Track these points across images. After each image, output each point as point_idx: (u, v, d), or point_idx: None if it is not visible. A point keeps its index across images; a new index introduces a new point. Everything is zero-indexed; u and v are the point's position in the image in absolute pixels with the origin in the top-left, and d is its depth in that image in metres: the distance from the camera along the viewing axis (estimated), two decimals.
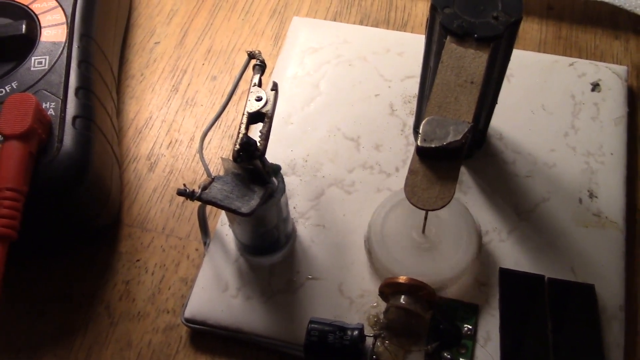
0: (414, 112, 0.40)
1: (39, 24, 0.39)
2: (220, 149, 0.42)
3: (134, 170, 0.41)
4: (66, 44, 0.38)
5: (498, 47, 0.30)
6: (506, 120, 0.40)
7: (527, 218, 0.36)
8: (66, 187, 0.33)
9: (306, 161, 0.39)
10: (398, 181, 0.38)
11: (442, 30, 0.30)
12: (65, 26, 0.39)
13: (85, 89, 0.37)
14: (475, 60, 0.29)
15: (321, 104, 0.42)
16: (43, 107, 0.35)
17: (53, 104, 0.35)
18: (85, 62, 0.38)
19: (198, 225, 0.36)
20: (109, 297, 0.36)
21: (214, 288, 0.35)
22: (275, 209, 0.32)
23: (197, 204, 0.35)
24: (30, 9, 0.39)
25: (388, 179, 0.38)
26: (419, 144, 0.27)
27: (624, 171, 0.38)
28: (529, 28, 0.46)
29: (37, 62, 0.37)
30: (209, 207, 0.37)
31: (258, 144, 0.29)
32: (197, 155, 0.41)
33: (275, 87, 0.32)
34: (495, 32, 0.29)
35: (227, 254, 0.36)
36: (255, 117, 0.31)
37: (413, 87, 0.42)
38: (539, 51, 0.45)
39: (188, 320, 0.34)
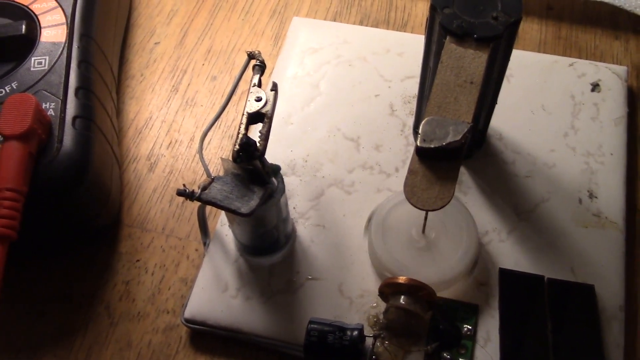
0: (414, 113, 0.40)
1: (39, 24, 0.39)
2: (220, 149, 0.42)
3: (133, 171, 0.41)
4: (66, 44, 0.38)
5: (497, 47, 0.30)
6: (506, 120, 0.40)
7: (527, 218, 0.36)
8: (66, 187, 0.33)
9: (306, 161, 0.39)
10: (398, 181, 0.38)
11: (441, 31, 0.30)
12: (65, 26, 0.39)
13: (85, 89, 0.37)
14: (475, 60, 0.29)
15: (321, 104, 0.42)
16: (43, 107, 0.35)
17: (53, 104, 0.35)
18: (85, 62, 0.38)
19: (198, 225, 0.36)
20: (108, 297, 0.36)
21: (214, 288, 0.35)
22: (274, 209, 0.32)
23: (197, 204, 0.35)
24: (30, 9, 0.39)
25: (388, 179, 0.38)
26: (418, 144, 0.27)
27: (624, 171, 0.38)
28: (528, 28, 0.46)
29: (37, 62, 0.37)
30: (208, 208, 0.37)
31: (258, 144, 0.29)
32: (197, 155, 0.41)
33: (275, 88, 0.32)
34: (495, 33, 0.29)
35: (226, 254, 0.36)
36: (254, 118, 0.31)
37: (413, 87, 0.42)
38: (538, 51, 0.45)
39: (188, 321, 0.34)
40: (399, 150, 0.39)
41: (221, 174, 0.30)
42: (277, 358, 0.34)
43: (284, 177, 0.32)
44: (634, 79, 0.43)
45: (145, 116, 0.43)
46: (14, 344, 0.35)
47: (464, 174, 0.38)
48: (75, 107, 0.36)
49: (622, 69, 0.42)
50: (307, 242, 0.36)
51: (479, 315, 0.33)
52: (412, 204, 0.27)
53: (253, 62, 0.33)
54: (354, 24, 0.47)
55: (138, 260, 0.37)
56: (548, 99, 0.41)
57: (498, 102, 0.36)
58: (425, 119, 0.27)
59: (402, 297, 0.32)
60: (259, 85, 0.32)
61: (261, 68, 0.33)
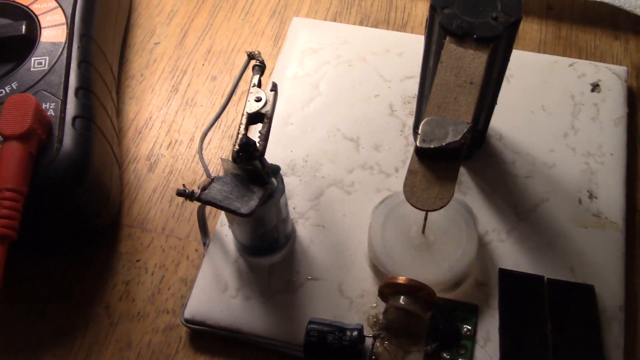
0: (414, 113, 0.40)
1: (39, 24, 0.39)
2: (220, 150, 0.42)
3: (133, 171, 0.41)
4: (66, 45, 0.38)
5: (497, 47, 0.30)
6: (506, 120, 0.40)
7: (527, 218, 0.36)
8: (66, 187, 0.33)
9: (306, 161, 0.39)
10: (398, 181, 0.38)
11: (441, 31, 0.30)
12: (65, 27, 0.39)
13: (85, 89, 0.37)
14: (475, 60, 0.29)
15: (321, 105, 0.42)
16: (43, 107, 0.35)
17: (53, 104, 0.35)
18: (85, 63, 0.38)
19: (198, 225, 0.36)
20: (108, 297, 0.36)
21: (214, 288, 0.35)
22: (274, 209, 0.32)
23: (197, 204, 0.35)
24: (30, 9, 0.39)
25: (387, 179, 0.38)
26: (418, 144, 0.27)
27: (624, 172, 0.38)
28: (528, 28, 0.46)
29: (37, 62, 0.37)
30: (208, 208, 0.37)
31: (257, 144, 0.29)
32: (197, 155, 0.41)
33: (274, 88, 0.32)
34: (495, 33, 0.29)
35: (226, 254, 0.36)
36: (254, 118, 0.31)
37: (413, 87, 0.42)
38: (538, 51, 0.45)
39: (188, 321, 0.34)
40: (399, 150, 0.39)
41: (221, 174, 0.30)
42: (277, 358, 0.34)
43: (283, 177, 0.32)
44: (633, 79, 0.43)
45: (145, 116, 0.43)
46: (14, 344, 0.35)
47: (463, 174, 0.38)
48: (75, 107, 0.36)
49: (622, 69, 0.42)
50: (307, 242, 0.36)
51: (478, 316, 0.33)
52: (411, 204, 0.27)
53: (253, 62, 0.33)
54: (354, 24, 0.47)
55: (138, 260, 0.37)
56: (548, 99, 0.41)
57: (498, 102, 0.36)
58: (425, 119, 0.27)
59: (402, 297, 0.32)
60: (259, 85, 0.32)
61: (261, 68, 0.33)
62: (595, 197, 0.37)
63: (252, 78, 0.32)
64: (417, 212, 0.28)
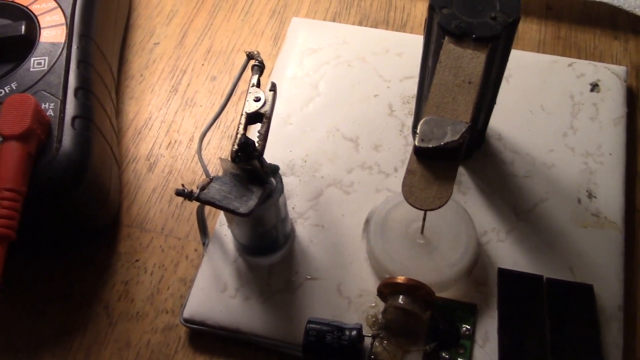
0: (413, 113, 0.40)
1: (39, 24, 0.39)
2: (219, 149, 0.42)
3: (133, 171, 0.41)
4: (65, 45, 0.38)
5: (496, 47, 0.30)
6: (505, 120, 0.40)
7: (526, 218, 0.36)
8: (65, 187, 0.33)
9: (305, 161, 0.39)
10: (397, 181, 0.38)
11: (440, 31, 0.30)
12: (64, 27, 0.39)
13: (84, 90, 0.37)
14: (473, 60, 0.29)
15: (320, 105, 0.42)
16: (42, 107, 0.35)
17: (52, 104, 0.35)
18: (84, 63, 0.38)
19: (197, 225, 0.36)
20: (108, 297, 0.36)
21: (213, 288, 0.35)
22: (273, 209, 0.32)
23: (196, 204, 0.35)
24: (29, 9, 0.39)
25: (387, 179, 0.38)
26: (416, 144, 0.27)
27: (623, 171, 0.38)
28: (527, 28, 0.46)
29: (37, 62, 0.37)
30: (208, 208, 0.37)
31: (256, 144, 0.29)
32: (196, 155, 0.41)
33: (273, 88, 0.32)
34: (493, 33, 0.29)
35: (225, 254, 0.36)
36: (253, 118, 0.31)
37: (412, 87, 0.42)
38: (537, 51, 0.45)
39: (187, 321, 0.34)
40: (398, 150, 0.40)
41: (220, 174, 0.30)
42: (276, 358, 0.34)
43: (282, 177, 0.32)
44: (633, 79, 0.43)
45: (144, 116, 0.43)
46: (13, 343, 0.35)
47: (463, 174, 0.38)
48: (75, 108, 0.36)
49: (621, 69, 0.42)
50: (306, 242, 0.36)
51: (477, 315, 0.33)
52: (410, 204, 0.27)
53: (252, 62, 0.33)
54: (353, 24, 0.47)
55: (137, 260, 0.37)
56: (547, 99, 0.41)
57: (497, 102, 0.36)
58: (424, 118, 0.27)
59: (401, 297, 0.32)
60: (258, 85, 0.32)
61: (260, 68, 0.33)
62: (595, 197, 0.37)
63: (251, 78, 0.32)
64: (416, 211, 0.28)
